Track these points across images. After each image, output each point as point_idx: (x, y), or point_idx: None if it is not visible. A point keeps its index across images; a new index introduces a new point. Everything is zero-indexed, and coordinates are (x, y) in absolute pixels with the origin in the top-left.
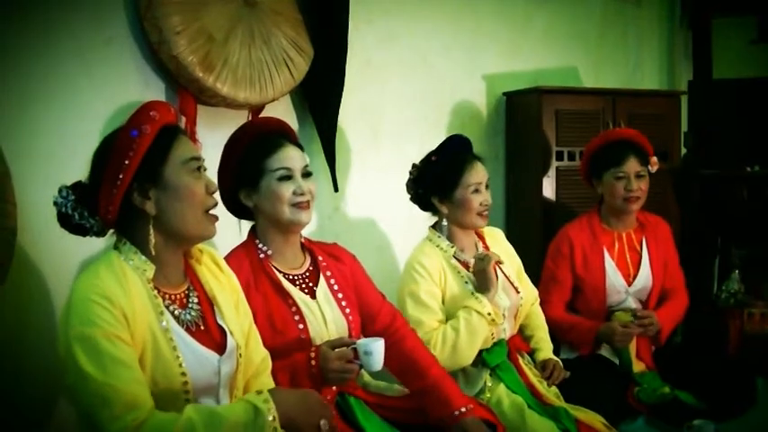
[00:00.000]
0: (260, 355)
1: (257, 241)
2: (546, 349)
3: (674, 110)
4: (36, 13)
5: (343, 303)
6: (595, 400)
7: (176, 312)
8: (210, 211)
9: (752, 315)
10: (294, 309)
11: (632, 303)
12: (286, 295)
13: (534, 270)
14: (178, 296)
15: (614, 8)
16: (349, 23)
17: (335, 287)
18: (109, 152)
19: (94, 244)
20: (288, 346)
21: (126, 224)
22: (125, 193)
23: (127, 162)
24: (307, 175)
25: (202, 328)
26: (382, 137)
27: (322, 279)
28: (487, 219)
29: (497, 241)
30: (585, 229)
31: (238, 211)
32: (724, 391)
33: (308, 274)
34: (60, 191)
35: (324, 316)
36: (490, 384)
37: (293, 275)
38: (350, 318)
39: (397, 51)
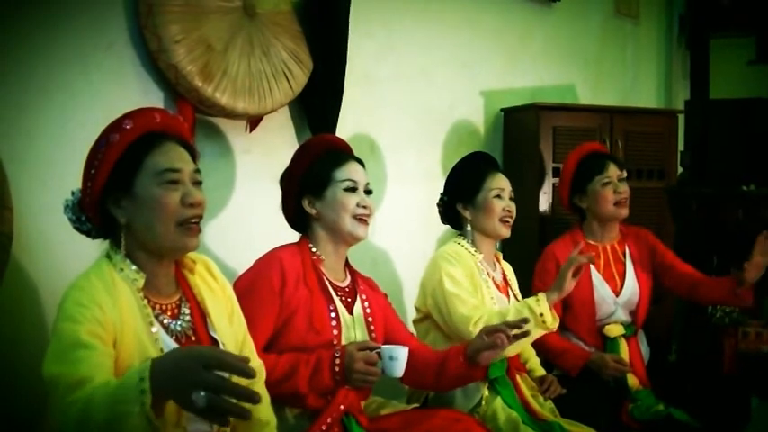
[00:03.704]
0: (254, 365)
1: (310, 245)
2: (541, 370)
3: (670, 128)
4: (36, 16)
5: (372, 327)
6: (590, 416)
7: (166, 322)
8: (193, 223)
9: (747, 334)
10: (334, 314)
11: (622, 315)
12: (329, 299)
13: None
14: (169, 306)
15: (613, 27)
16: (348, 36)
17: (368, 310)
18: (85, 161)
19: (90, 249)
20: (317, 346)
21: (113, 232)
22: (101, 201)
23: (93, 171)
24: (368, 192)
25: (193, 338)
26: (380, 150)
27: (358, 300)
28: (510, 228)
29: (510, 271)
30: (570, 245)
31: (294, 218)
32: (718, 409)
33: (347, 289)
34: (72, 193)
35: (355, 332)
36: (488, 397)
37: (336, 285)
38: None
39: (396, 65)
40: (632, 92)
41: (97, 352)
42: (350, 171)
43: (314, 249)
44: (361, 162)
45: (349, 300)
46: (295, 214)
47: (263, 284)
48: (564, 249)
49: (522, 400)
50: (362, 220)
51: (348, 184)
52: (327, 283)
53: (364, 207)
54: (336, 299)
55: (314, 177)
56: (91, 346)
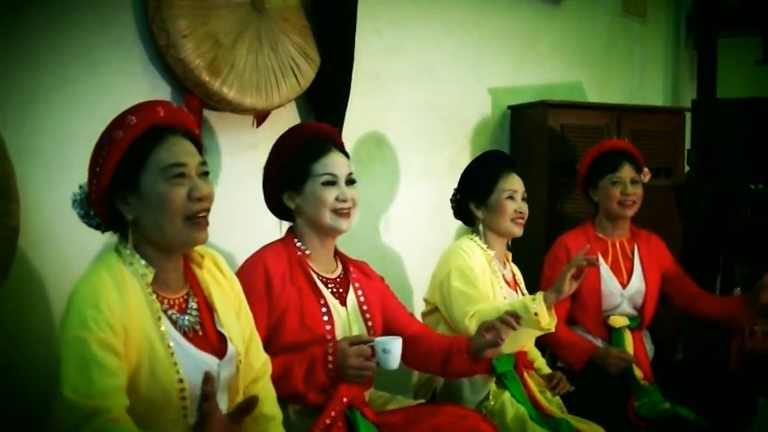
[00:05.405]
0: (260, 360)
1: (296, 240)
2: (548, 370)
3: (677, 127)
4: (44, 13)
5: (367, 316)
6: (597, 413)
7: (174, 317)
8: (200, 216)
9: (753, 333)
10: (325, 309)
11: (627, 308)
12: (319, 294)
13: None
14: (177, 301)
15: (621, 25)
16: (356, 33)
17: (362, 299)
18: (90, 157)
19: (97, 244)
20: (312, 342)
21: (122, 227)
22: (108, 197)
23: (98, 169)
24: (350, 182)
25: (201, 333)
26: (387, 148)
27: (351, 289)
28: (522, 228)
29: (518, 272)
30: (580, 236)
31: (279, 211)
32: (725, 408)
33: (339, 280)
34: (80, 186)
35: (350, 323)
36: (495, 392)
37: (326, 278)
38: (371, 332)
39: (404, 63)
40: (639, 90)
41: (109, 371)
42: (328, 164)
43: (299, 244)
44: (343, 151)
45: (341, 290)
46: (278, 208)
47: (250, 289)
48: (575, 240)
49: (530, 395)
50: (343, 213)
51: (326, 178)
52: (316, 277)
53: (344, 201)
54: (327, 293)
55: (292, 172)
56: (103, 364)
